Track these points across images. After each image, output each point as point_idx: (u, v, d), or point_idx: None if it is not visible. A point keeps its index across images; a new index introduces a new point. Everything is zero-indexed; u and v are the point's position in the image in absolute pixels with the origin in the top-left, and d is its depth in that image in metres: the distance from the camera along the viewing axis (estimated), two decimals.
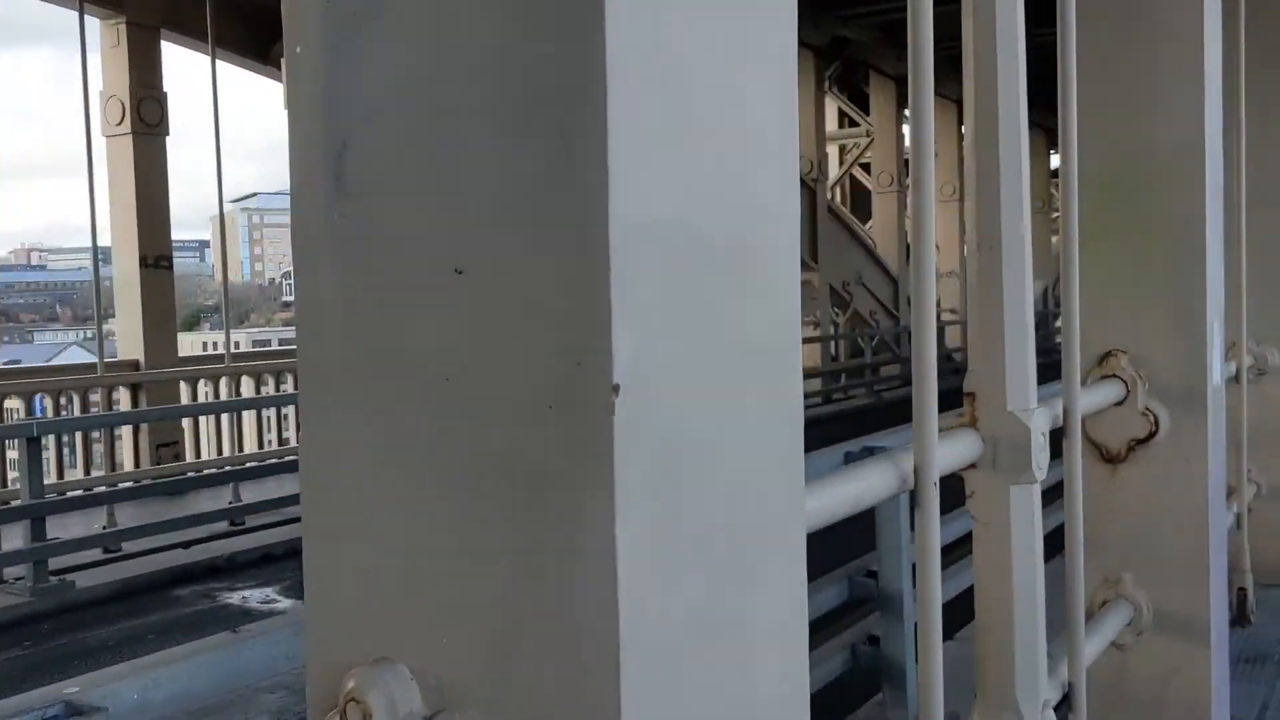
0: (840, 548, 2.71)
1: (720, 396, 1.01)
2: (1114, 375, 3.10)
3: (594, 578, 0.87)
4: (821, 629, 3.83)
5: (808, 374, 15.89)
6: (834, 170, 20.01)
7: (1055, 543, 2.46)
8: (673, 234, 0.96)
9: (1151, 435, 3.07)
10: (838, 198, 19.98)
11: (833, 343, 16.67)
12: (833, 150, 20.18)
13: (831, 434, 14.11)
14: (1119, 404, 3.08)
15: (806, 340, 16.31)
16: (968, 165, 2.18)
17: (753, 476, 1.04)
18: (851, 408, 15.07)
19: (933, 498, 1.68)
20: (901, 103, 18.07)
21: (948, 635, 1.82)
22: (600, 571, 0.87)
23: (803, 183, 15.89)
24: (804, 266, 16.64)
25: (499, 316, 0.93)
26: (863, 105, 18.89)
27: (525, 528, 0.91)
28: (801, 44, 16.25)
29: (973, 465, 2.06)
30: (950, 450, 1.98)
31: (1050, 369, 2.61)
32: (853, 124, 19.42)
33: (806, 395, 15.47)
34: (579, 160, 0.89)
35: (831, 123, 19.84)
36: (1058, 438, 2.32)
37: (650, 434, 0.91)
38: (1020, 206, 2.08)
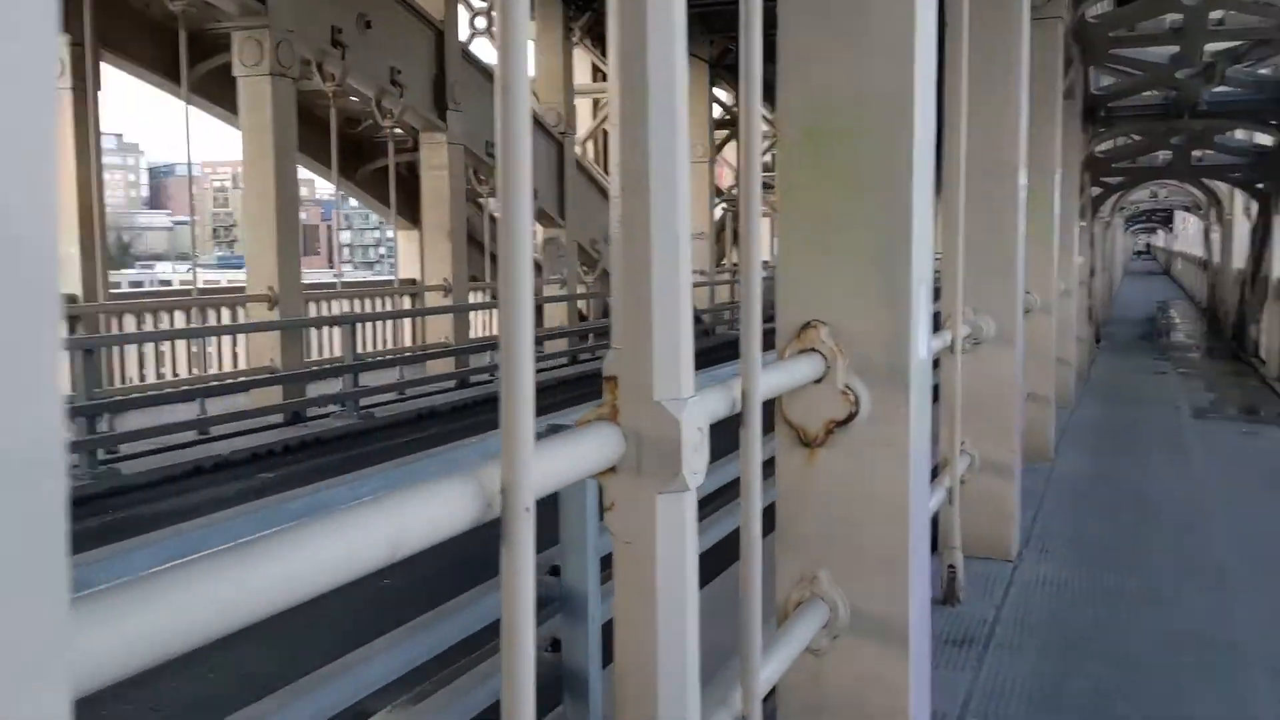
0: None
1: None
2: (812, 349, 2.77)
3: None
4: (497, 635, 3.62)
5: (555, 334, 15.46)
6: (585, 125, 19.64)
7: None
8: None
9: (852, 416, 2.76)
10: (590, 153, 19.68)
11: (582, 302, 16.41)
12: (585, 104, 19.80)
13: (574, 396, 13.81)
14: (817, 381, 2.76)
15: (551, 300, 15.87)
16: (611, 102, 1.74)
17: None
18: (596, 369, 14.71)
19: (522, 528, 1.22)
20: None
21: None
22: None
23: (550, 136, 15.38)
24: (550, 223, 16.28)
25: None
26: None
27: None
28: None
29: (611, 469, 1.64)
30: (575, 453, 1.54)
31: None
32: (606, 78, 19.00)
33: (554, 355, 15.17)
34: None
35: (584, 76, 19.42)
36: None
37: None
38: (672, 149, 1.65)
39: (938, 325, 4.29)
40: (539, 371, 14.95)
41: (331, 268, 21.02)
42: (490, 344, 13.05)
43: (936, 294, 3.42)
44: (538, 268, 16.24)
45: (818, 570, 2.75)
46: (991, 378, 5.20)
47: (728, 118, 23.25)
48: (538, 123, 15.09)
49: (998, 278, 5.20)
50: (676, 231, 1.66)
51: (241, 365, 12.11)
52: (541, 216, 15.20)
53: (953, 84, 4.40)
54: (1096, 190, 14.24)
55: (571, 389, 14.07)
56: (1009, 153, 5.13)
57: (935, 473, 4.68)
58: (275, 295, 10.93)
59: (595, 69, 19.61)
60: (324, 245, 72.21)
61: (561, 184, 15.16)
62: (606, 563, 2.66)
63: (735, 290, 22.51)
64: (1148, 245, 71.86)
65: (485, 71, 13.64)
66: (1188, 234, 37.01)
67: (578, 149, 18.96)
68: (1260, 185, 13.20)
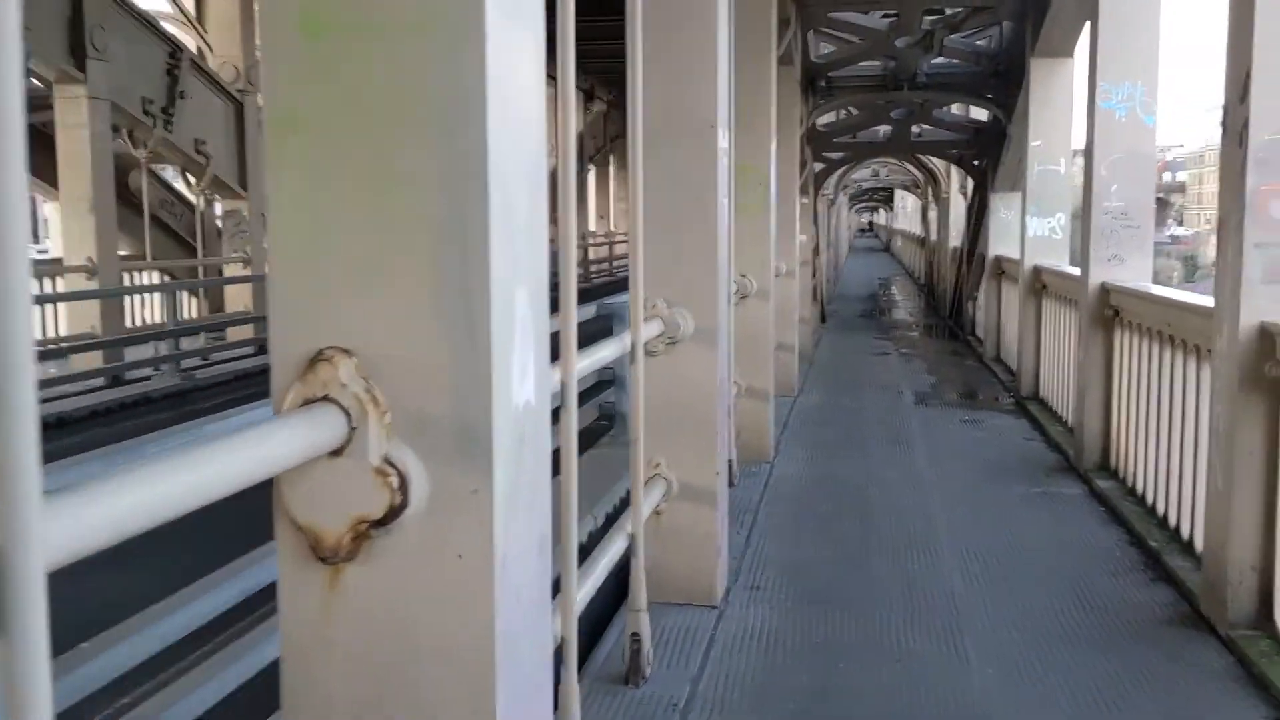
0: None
1: None
2: (326, 397, 1.64)
3: None
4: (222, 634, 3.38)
5: (238, 320, 13.66)
6: None
7: None
8: None
9: (395, 510, 1.65)
10: None
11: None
12: None
13: (261, 391, 12.34)
14: (335, 453, 1.63)
15: (235, 280, 14.04)
16: None
17: None
18: None
19: None
20: None
21: None
22: None
23: (226, 94, 13.52)
24: (231, 194, 14.42)
25: None
26: None
27: None
28: None
29: None
30: None
31: None
32: None
33: (239, 344, 13.32)
34: None
35: None
36: None
37: None
38: None
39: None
40: (221, 363, 13.15)
41: None
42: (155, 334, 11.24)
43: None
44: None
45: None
46: (690, 381, 4.23)
47: None
48: (210, 78, 13.22)
49: (697, 262, 4.23)
50: None
51: None
52: (219, 186, 13.38)
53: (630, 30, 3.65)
54: (819, 166, 13.85)
55: (258, 382, 12.45)
56: (705, 110, 4.16)
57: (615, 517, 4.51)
58: None
59: None
60: None
61: (242, 149, 13.35)
62: None
63: None
64: (870, 223, 75.06)
65: (139, 15, 11.72)
66: (906, 212, 38.40)
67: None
68: (976, 162, 13.13)
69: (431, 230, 1.64)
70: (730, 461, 6.25)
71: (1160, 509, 5.51)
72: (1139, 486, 5.94)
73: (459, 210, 1.63)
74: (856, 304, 21.24)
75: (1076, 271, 8.08)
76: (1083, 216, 6.89)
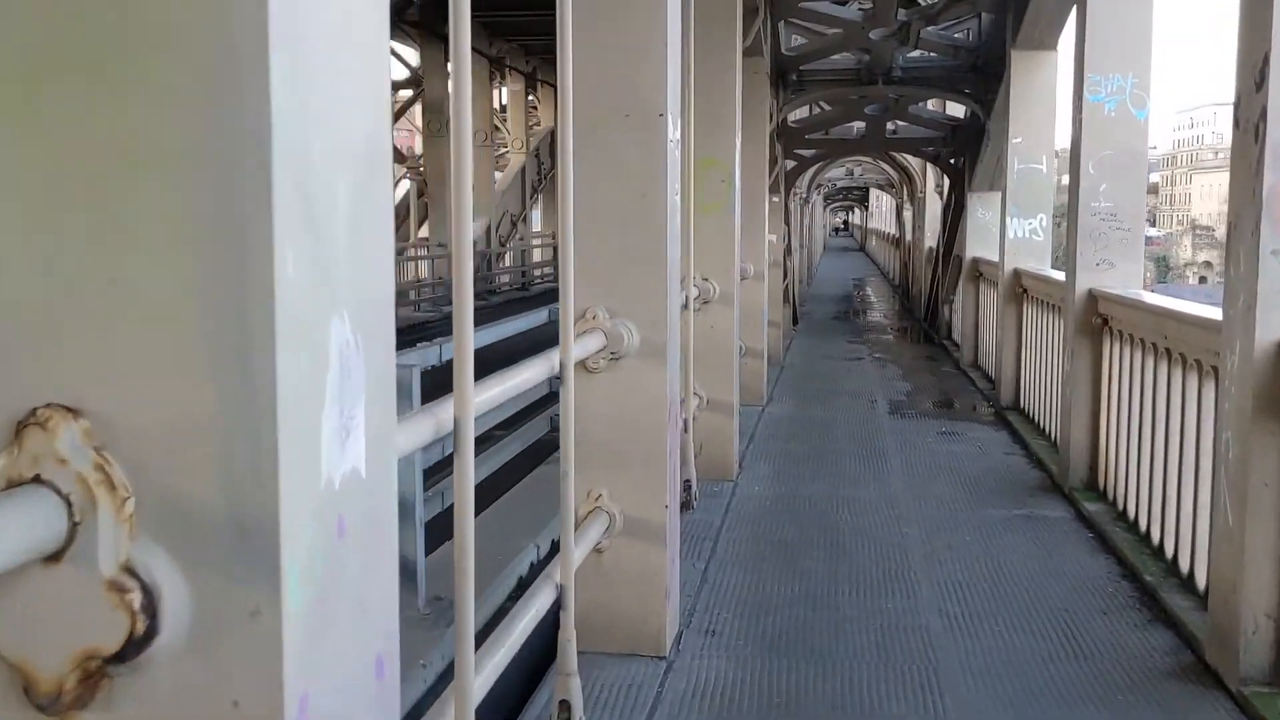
0: None
1: None
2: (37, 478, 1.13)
3: None
4: None
5: None
6: None
7: None
8: None
9: (138, 642, 1.15)
10: None
11: None
12: None
13: None
14: (52, 558, 1.12)
15: None
16: None
17: None
18: None
19: None
20: None
21: None
22: None
23: None
24: None
25: None
26: None
27: None
28: None
29: None
30: None
31: None
32: None
33: None
34: None
35: None
36: None
37: None
38: None
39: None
40: None
41: None
42: None
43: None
44: None
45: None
46: (637, 401, 3.73)
47: (409, 76, 21.28)
48: None
49: (643, 266, 3.73)
50: None
51: None
52: None
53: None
54: (791, 163, 13.38)
55: None
56: (652, 96, 3.65)
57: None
58: None
59: None
60: None
61: None
62: None
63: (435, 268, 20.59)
64: (846, 222, 74.89)
65: None
66: (881, 211, 38.08)
67: None
68: (953, 160, 12.69)
69: (188, 236, 1.13)
70: (689, 482, 5.77)
71: (1155, 537, 5.06)
72: (1130, 510, 5.49)
73: (227, 207, 1.12)
74: (830, 305, 20.81)
75: (1061, 276, 7.63)
76: (1068, 218, 6.44)
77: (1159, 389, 5.16)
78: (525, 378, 2.87)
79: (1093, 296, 6.15)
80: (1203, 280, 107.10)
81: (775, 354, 11.64)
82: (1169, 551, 4.84)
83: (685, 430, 5.71)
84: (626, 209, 3.66)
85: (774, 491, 6.33)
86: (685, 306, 5.61)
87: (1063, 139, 7.29)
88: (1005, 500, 6.16)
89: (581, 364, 3.58)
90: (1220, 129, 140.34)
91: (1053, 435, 7.44)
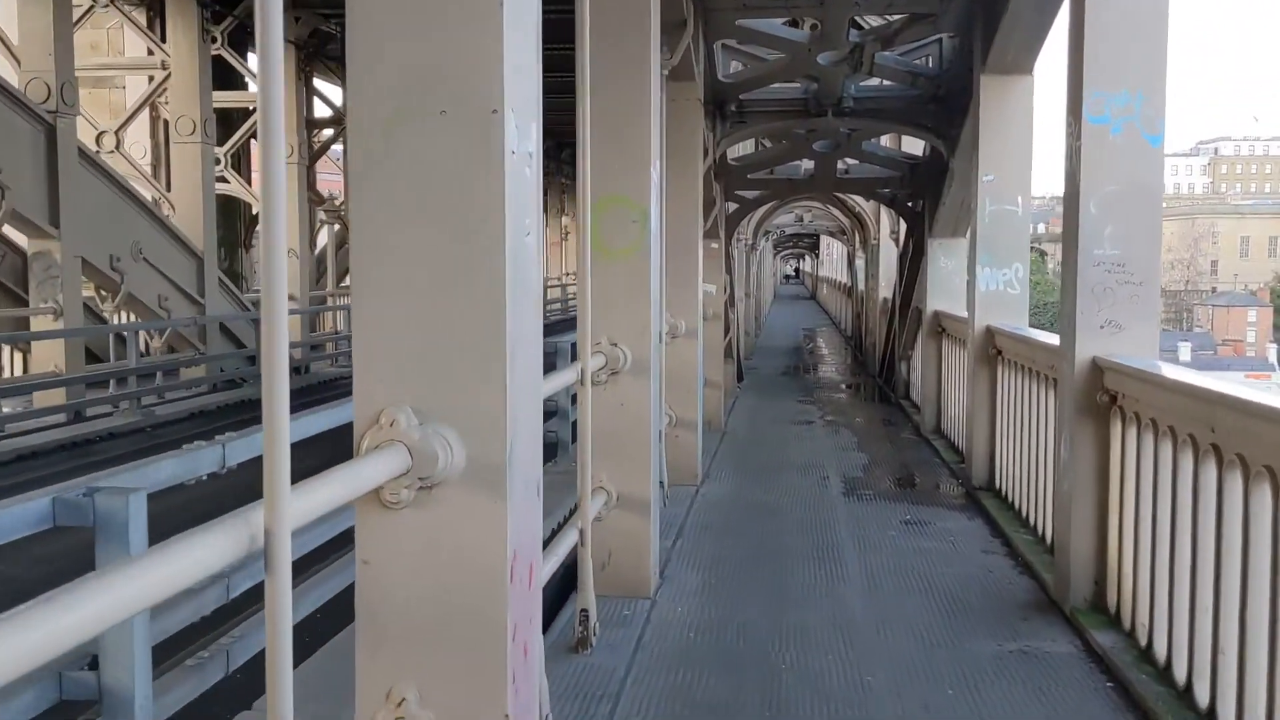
0: None
1: None
2: None
3: None
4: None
5: (46, 383, 11.47)
6: (108, 107, 15.47)
7: None
8: None
9: None
10: (126, 144, 15.60)
11: (111, 338, 12.40)
12: (139, 82, 15.60)
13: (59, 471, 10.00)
14: None
15: (43, 335, 11.87)
16: None
17: None
18: (108, 429, 11.12)
19: None
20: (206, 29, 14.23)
21: None
22: None
23: (34, 115, 11.40)
24: (38, 232, 12.25)
25: None
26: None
27: None
28: None
29: None
30: None
31: None
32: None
33: (42, 412, 11.09)
34: None
35: (137, 49, 15.28)
36: None
37: None
38: None
39: None
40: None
41: None
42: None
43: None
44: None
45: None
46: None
47: (331, 115, 19.87)
48: (13, 96, 11.10)
49: (468, 340, 2.35)
50: None
51: None
52: (21, 222, 11.24)
53: None
54: (733, 206, 12.15)
55: (58, 459, 10.31)
56: (482, 84, 2.32)
57: None
58: None
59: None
60: None
61: (54, 179, 11.21)
62: None
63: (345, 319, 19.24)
64: (797, 269, 74.16)
65: None
66: (833, 259, 37.12)
67: (109, 140, 14.96)
68: (910, 203, 11.51)
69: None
70: (586, 612, 4.42)
71: (1202, 696, 3.77)
72: (1159, 648, 4.21)
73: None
74: (779, 359, 19.60)
75: (1045, 338, 6.39)
76: (1064, 268, 5.22)
77: (1183, 483, 3.92)
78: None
79: (1097, 367, 4.90)
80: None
81: (715, 419, 10.34)
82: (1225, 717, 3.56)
83: (583, 544, 4.36)
84: (439, 253, 2.31)
85: (701, 616, 4.97)
86: (583, 381, 4.29)
87: (1045, 179, 6.09)
88: (993, 627, 4.85)
89: (376, 496, 2.21)
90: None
91: (1040, 528, 6.16)
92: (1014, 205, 7.56)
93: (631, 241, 5.07)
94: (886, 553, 6.15)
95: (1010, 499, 7.05)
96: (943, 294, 10.31)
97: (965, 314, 9.71)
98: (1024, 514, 6.62)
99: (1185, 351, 70.93)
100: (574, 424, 6.89)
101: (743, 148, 12.22)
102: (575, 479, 4.46)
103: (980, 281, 7.59)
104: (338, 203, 18.40)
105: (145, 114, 15.96)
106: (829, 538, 6.45)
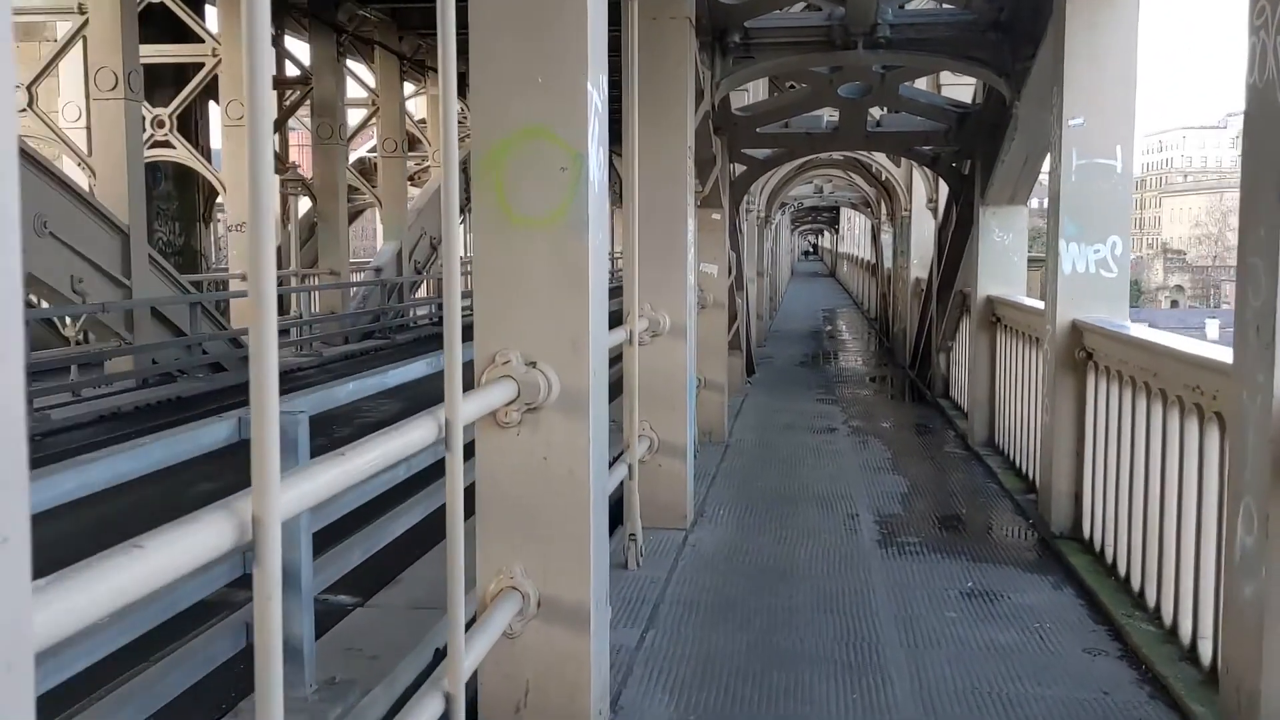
0: None
1: None
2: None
3: None
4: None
5: None
6: (38, 61, 13.65)
7: None
8: None
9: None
10: (60, 104, 13.79)
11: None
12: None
13: None
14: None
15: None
16: None
17: None
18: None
19: None
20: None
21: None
22: None
23: None
24: None
25: None
26: None
27: None
28: None
29: None
30: None
31: None
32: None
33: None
34: None
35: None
36: None
37: None
38: None
39: None
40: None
41: None
42: None
43: None
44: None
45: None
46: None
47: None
48: None
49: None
50: None
51: None
52: None
53: None
54: (740, 168, 10.20)
55: None
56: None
57: None
58: None
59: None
60: None
61: None
62: None
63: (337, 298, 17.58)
64: (815, 245, 72.01)
65: None
66: (854, 234, 35.07)
67: (21, 96, 13.15)
68: (955, 163, 9.54)
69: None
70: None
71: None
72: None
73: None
74: (796, 345, 17.67)
75: (1197, 348, 4.39)
76: (1240, 249, 3.32)
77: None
78: None
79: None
80: (1174, 304, 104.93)
81: (716, 429, 8.45)
82: None
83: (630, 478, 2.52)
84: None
85: None
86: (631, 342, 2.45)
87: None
88: None
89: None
90: (1189, 152, 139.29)
91: (1166, 616, 4.28)
92: (1111, 158, 5.61)
93: (557, 204, 3.16)
94: (944, 651, 4.28)
95: (1108, 556, 5.16)
96: (997, 275, 8.37)
97: (1029, 300, 7.80)
98: (1133, 584, 4.73)
99: (1213, 328, 68.08)
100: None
101: (750, 93, 10.27)
102: None
103: (1065, 261, 5.66)
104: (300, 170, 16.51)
105: (78, 70, 14.09)
106: (863, 626, 4.57)
